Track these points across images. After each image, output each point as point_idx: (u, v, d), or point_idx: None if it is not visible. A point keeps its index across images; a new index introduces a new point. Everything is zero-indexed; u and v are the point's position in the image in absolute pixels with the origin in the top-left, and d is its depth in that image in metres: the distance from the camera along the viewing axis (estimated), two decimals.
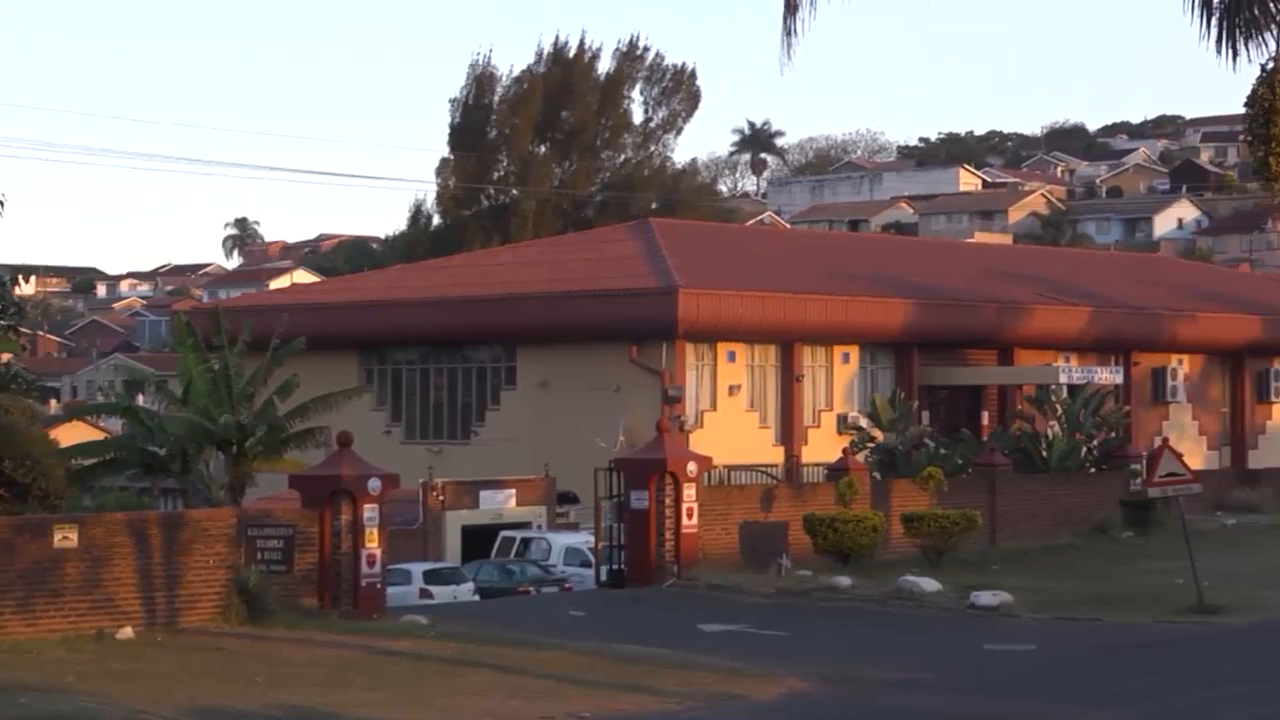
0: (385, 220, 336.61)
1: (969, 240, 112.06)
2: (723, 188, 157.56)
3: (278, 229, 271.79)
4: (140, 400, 41.97)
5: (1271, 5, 14.48)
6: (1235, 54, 14.67)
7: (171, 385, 37.18)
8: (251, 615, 25.18)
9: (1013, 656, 24.65)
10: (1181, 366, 60.01)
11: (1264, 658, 23.57)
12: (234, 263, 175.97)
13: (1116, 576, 33.11)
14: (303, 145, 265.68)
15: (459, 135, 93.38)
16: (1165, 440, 46.40)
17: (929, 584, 30.31)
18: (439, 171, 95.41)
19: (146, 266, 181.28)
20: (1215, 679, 21.64)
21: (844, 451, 40.16)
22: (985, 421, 53.75)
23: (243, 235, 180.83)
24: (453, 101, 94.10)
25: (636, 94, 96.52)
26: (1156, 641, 25.88)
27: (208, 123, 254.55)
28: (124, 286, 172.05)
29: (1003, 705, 20.07)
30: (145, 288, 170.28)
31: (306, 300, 60.24)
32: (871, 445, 44.36)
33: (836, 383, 52.38)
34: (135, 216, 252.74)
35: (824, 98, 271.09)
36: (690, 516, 32.73)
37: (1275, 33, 14.49)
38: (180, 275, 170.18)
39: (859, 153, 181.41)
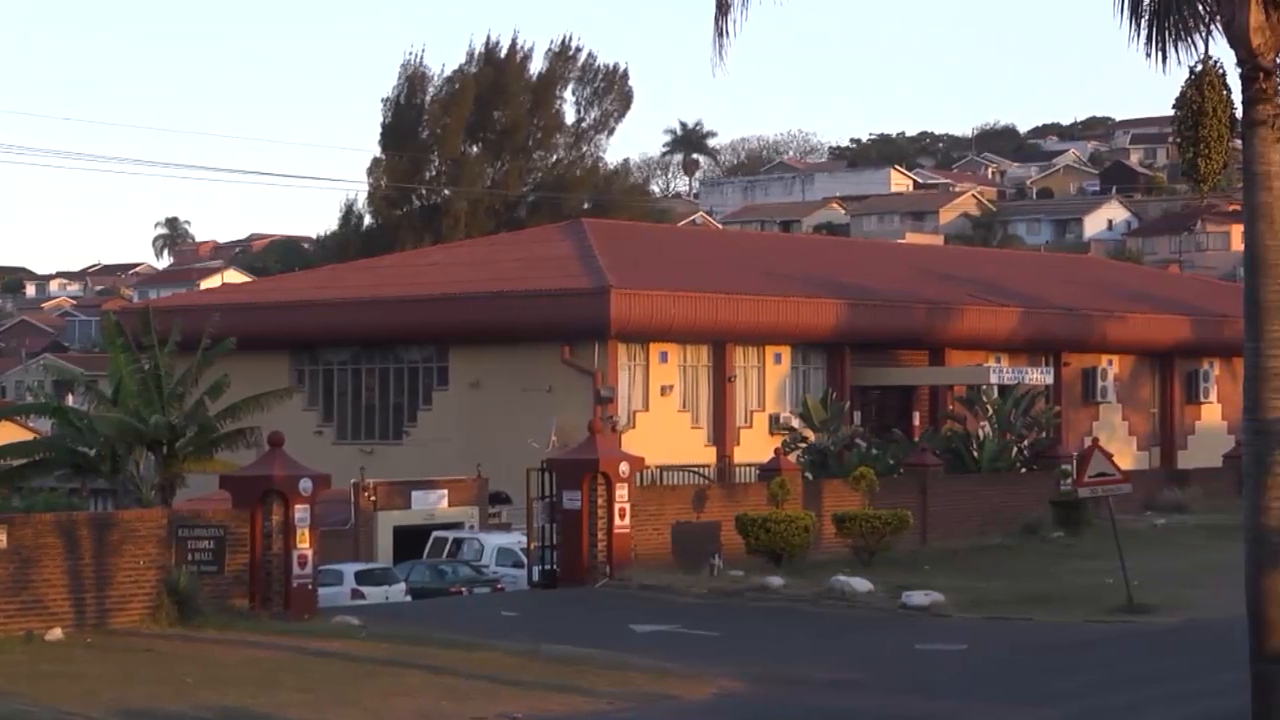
0: (317, 220, 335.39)
1: (900, 241, 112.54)
2: (655, 188, 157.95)
3: (208, 229, 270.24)
4: (70, 400, 41.60)
5: (1200, 8, 14.59)
6: (1164, 56, 14.77)
7: (101, 385, 36.82)
8: (182, 616, 24.99)
9: (944, 656, 24.77)
10: (1112, 367, 60.47)
11: (1192, 657, 23.77)
12: (164, 262, 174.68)
13: (1047, 576, 33.32)
14: (234, 145, 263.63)
15: (391, 135, 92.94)
16: (1095, 440, 46.71)
17: (861, 584, 30.41)
18: (370, 171, 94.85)
19: (76, 266, 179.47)
20: (1144, 678, 21.83)
21: (776, 452, 40.22)
22: (917, 422, 54.01)
23: (173, 235, 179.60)
24: (384, 101, 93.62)
25: (569, 94, 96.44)
26: (1087, 641, 26.06)
27: (138, 122, 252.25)
28: (53, 286, 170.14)
29: (934, 705, 20.18)
30: (75, 287, 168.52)
31: (237, 300, 59.82)
32: (803, 446, 44.46)
33: (769, 383, 52.46)
34: (64, 216, 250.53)
35: (756, 98, 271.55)
36: (622, 517, 32.74)
37: (1204, 35, 14.60)
38: (110, 275, 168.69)
39: (791, 153, 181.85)
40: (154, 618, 25.02)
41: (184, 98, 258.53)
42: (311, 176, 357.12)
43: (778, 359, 52.65)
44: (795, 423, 47.75)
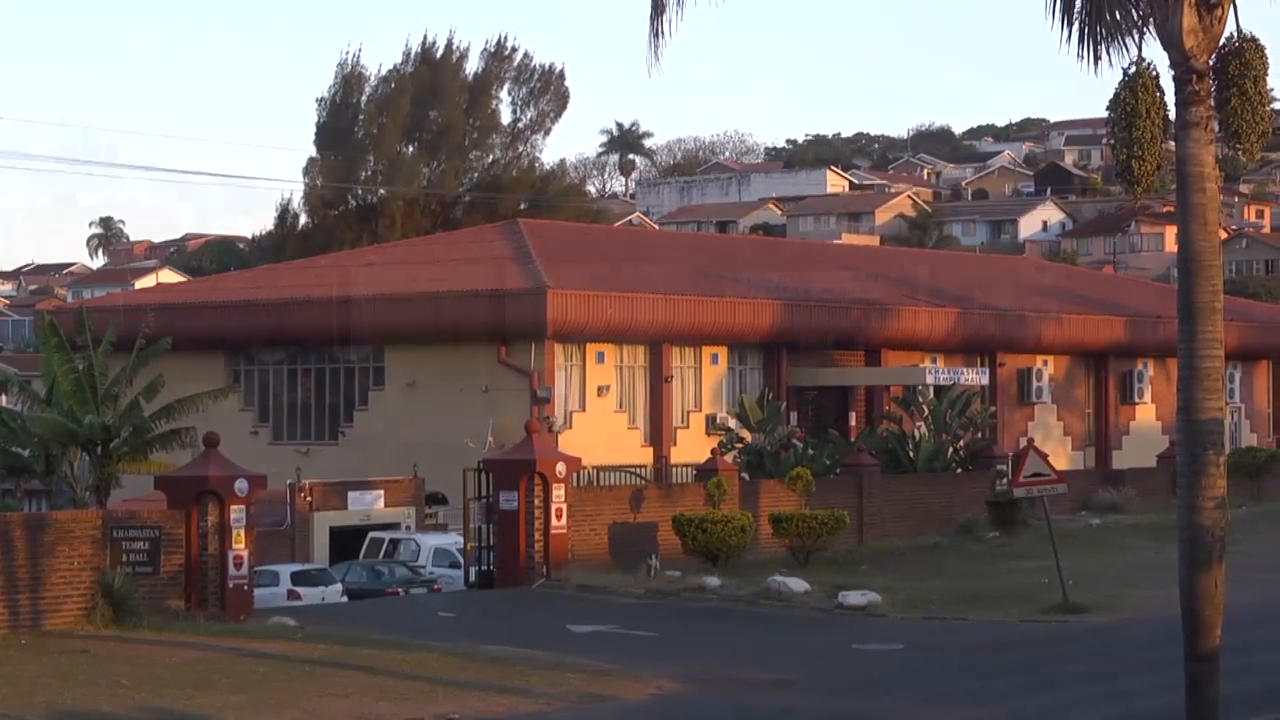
0: (252, 220, 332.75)
1: (836, 242, 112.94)
2: (591, 188, 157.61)
3: (143, 228, 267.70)
4: (3, 401, 41.18)
5: (1134, 11, 14.68)
6: (1097, 59, 14.82)
7: (35, 386, 36.52)
8: (117, 617, 24.74)
9: (881, 656, 24.90)
10: (1047, 368, 60.87)
11: (1126, 656, 23.95)
12: (99, 262, 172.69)
13: (983, 576, 33.50)
14: (169, 144, 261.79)
15: (326, 135, 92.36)
16: (1031, 441, 47.04)
17: (797, 584, 30.49)
18: (306, 171, 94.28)
19: (9, 266, 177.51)
20: (1078, 677, 21.98)
21: (713, 452, 40.31)
22: (853, 422, 54.20)
23: (108, 235, 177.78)
24: (320, 101, 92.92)
25: (505, 94, 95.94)
26: (1022, 640, 26.24)
27: (73, 121, 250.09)
28: None
29: (871, 704, 20.26)
30: (8, 287, 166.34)
31: (172, 300, 59.34)
32: (740, 446, 44.49)
33: (706, 383, 52.55)
34: None
35: (692, 99, 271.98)
36: (559, 517, 32.71)
37: (1137, 37, 14.69)
38: (44, 275, 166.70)
39: (727, 154, 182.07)
40: (89, 619, 24.75)
41: (118, 97, 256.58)
42: (247, 176, 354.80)
43: (714, 359, 52.74)
44: (732, 423, 47.77)
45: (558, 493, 32.75)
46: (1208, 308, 14.12)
